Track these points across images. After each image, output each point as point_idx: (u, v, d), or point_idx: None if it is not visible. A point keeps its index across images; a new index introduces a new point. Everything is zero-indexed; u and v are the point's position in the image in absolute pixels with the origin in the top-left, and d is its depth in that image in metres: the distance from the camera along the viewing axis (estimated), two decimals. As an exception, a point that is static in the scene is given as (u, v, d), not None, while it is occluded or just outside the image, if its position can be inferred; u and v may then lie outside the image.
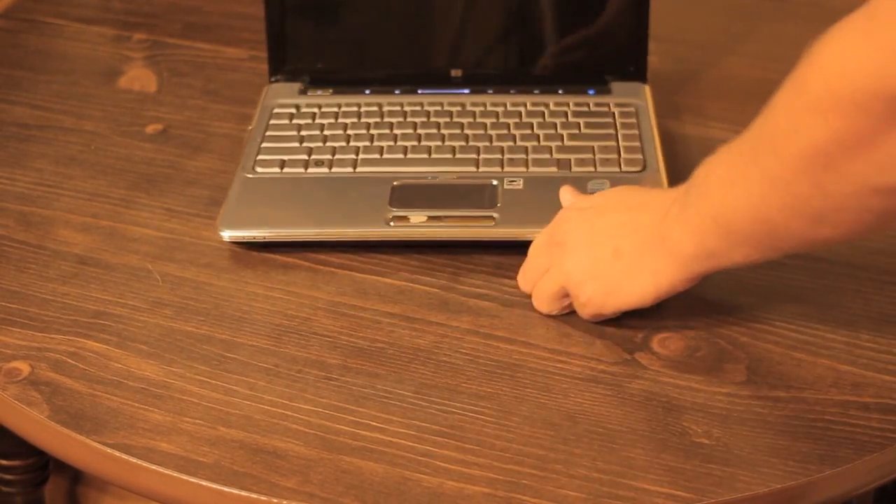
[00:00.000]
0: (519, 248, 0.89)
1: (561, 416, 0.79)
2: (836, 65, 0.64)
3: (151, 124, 1.09)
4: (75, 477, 1.53)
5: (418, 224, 0.93)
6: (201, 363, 0.83)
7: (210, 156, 1.05)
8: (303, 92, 1.08)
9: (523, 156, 0.99)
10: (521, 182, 0.96)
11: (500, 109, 1.04)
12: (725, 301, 0.88)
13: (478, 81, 1.08)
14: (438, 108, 1.05)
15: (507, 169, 0.98)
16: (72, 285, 0.90)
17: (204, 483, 0.75)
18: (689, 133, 1.07)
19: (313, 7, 1.09)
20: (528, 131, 1.01)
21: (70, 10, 1.29)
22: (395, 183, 0.97)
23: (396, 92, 1.07)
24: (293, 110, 1.05)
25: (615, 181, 0.95)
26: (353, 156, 1.00)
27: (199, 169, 1.03)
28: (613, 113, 1.03)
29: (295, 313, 0.88)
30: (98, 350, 0.84)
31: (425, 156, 1.00)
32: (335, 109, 1.05)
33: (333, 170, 0.99)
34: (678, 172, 0.92)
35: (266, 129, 1.03)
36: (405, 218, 0.93)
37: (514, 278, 0.89)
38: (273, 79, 1.09)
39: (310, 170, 0.99)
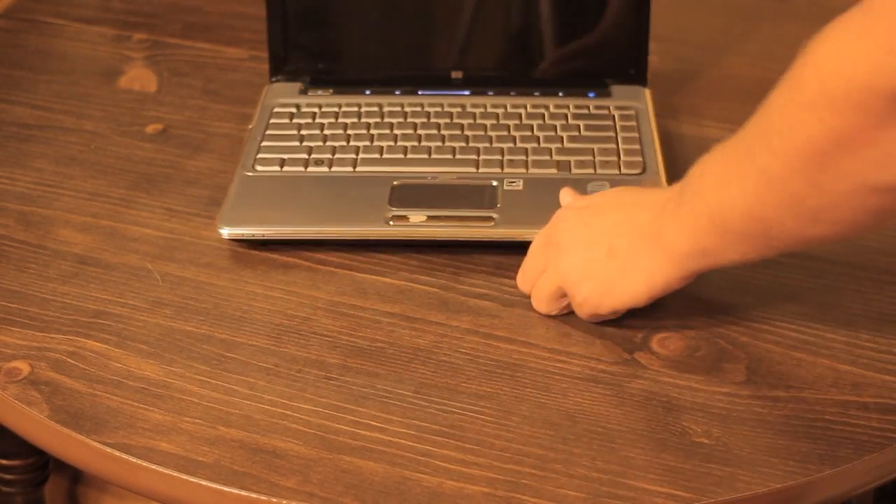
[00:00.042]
0: (519, 249, 0.89)
1: (560, 416, 0.79)
2: (831, 62, 0.64)
3: (151, 124, 1.09)
4: (75, 477, 1.53)
5: (418, 224, 0.93)
6: (201, 363, 0.83)
7: (210, 155, 1.05)
8: (303, 92, 1.08)
9: (523, 157, 0.99)
10: (521, 183, 0.96)
11: (500, 111, 1.04)
12: (725, 301, 0.88)
13: (478, 83, 1.08)
14: (439, 109, 1.05)
15: (506, 170, 0.98)
16: (72, 285, 0.90)
17: (204, 483, 0.75)
18: (688, 133, 1.07)
19: (314, 8, 1.09)
20: (528, 133, 1.02)
21: (70, 10, 1.29)
22: (394, 183, 0.97)
23: (397, 93, 1.07)
24: (293, 110, 1.05)
25: (615, 183, 0.95)
26: (353, 155, 1.00)
27: (199, 169, 1.03)
28: (613, 116, 1.03)
29: (295, 313, 0.88)
30: (98, 350, 0.84)
31: (425, 156, 1.00)
32: (335, 109, 1.05)
33: (333, 169, 0.99)
34: (678, 173, 0.92)
35: (266, 129, 1.03)
36: (405, 217, 0.93)
37: (514, 278, 0.89)
38: (273, 79, 1.09)
39: (310, 169, 0.99)
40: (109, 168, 1.03)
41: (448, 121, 1.03)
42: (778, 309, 0.88)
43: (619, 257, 0.82)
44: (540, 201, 0.91)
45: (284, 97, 1.07)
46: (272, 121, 1.04)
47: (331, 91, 1.08)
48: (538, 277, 0.86)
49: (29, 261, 0.93)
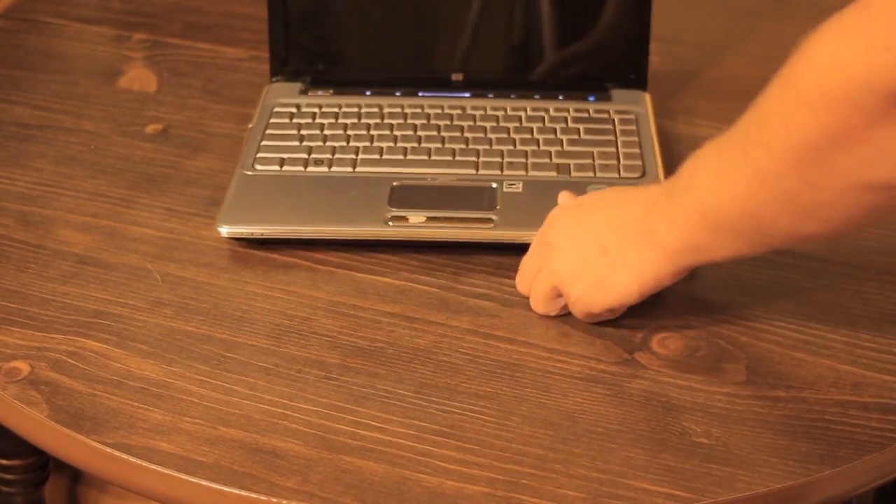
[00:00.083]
0: (518, 250, 0.89)
1: (560, 416, 0.79)
2: (827, 59, 0.64)
3: (151, 124, 1.09)
4: (75, 477, 1.53)
5: (417, 224, 0.93)
6: (201, 363, 0.83)
7: (210, 155, 1.05)
8: (303, 92, 1.08)
9: (523, 160, 0.99)
10: (521, 185, 0.96)
11: (500, 113, 1.04)
12: (725, 301, 0.88)
13: (479, 86, 1.08)
14: (439, 110, 1.05)
15: (506, 172, 0.98)
16: (72, 285, 0.90)
17: (204, 483, 0.75)
18: (688, 133, 1.07)
19: (316, 8, 1.09)
20: (528, 135, 1.01)
21: (70, 10, 1.29)
22: (394, 183, 0.97)
23: (397, 94, 1.07)
24: (293, 110, 1.05)
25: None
26: (353, 156, 1.00)
27: (199, 169, 1.03)
28: (613, 120, 1.03)
29: (295, 313, 0.88)
30: (98, 350, 0.84)
31: (425, 157, 1.00)
32: (335, 110, 1.05)
33: (333, 169, 0.99)
34: (678, 172, 0.92)
35: (266, 128, 1.03)
36: (404, 218, 0.93)
37: (514, 278, 0.89)
38: (274, 79, 1.09)
39: (309, 168, 0.99)
40: (109, 168, 1.03)
41: (448, 122, 1.03)
42: (778, 309, 0.88)
43: (610, 254, 0.82)
44: (539, 203, 0.91)
45: (285, 97, 1.07)
46: (272, 120, 1.04)
47: (331, 91, 1.08)
48: (535, 278, 0.86)
49: (29, 261, 0.93)
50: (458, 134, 1.02)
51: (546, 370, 0.83)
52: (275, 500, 0.73)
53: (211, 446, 0.77)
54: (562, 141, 1.01)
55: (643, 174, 0.97)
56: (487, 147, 1.00)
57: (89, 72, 1.18)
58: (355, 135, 1.02)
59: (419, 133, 1.02)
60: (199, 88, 1.15)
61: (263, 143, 1.01)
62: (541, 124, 1.03)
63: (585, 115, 1.04)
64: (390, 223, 0.93)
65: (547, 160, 0.99)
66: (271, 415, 0.79)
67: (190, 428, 0.78)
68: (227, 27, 1.25)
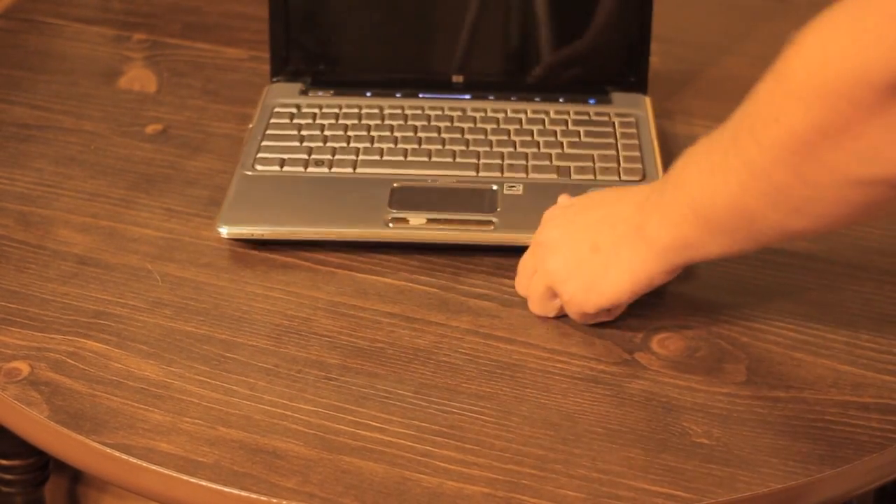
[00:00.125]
0: (518, 252, 0.89)
1: (560, 416, 0.79)
2: (819, 52, 0.64)
3: (151, 124, 1.09)
4: (75, 477, 1.53)
5: (417, 226, 0.93)
6: (201, 363, 0.83)
7: (210, 156, 1.05)
8: (304, 92, 1.08)
9: (523, 162, 0.99)
10: (521, 188, 0.96)
11: (500, 116, 1.04)
12: (725, 301, 0.88)
13: (479, 88, 1.08)
14: (439, 112, 1.05)
15: (506, 174, 0.98)
16: (72, 285, 0.90)
17: (204, 483, 0.75)
18: (687, 133, 1.07)
19: (317, 9, 1.09)
20: (529, 138, 1.01)
21: (70, 10, 1.29)
22: (394, 185, 0.97)
23: (398, 95, 1.07)
24: (294, 110, 1.05)
25: None
26: (354, 157, 1.00)
27: (199, 169, 1.03)
28: (614, 123, 1.03)
29: (295, 313, 0.88)
30: (98, 350, 0.84)
31: (425, 159, 1.00)
32: (336, 110, 1.05)
33: (333, 170, 0.99)
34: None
35: (266, 128, 1.03)
36: (404, 220, 0.93)
37: (514, 279, 0.89)
38: (274, 79, 1.09)
39: (310, 169, 0.99)
40: (109, 168, 1.03)
41: (448, 124, 1.03)
42: (778, 309, 0.88)
43: (603, 252, 0.81)
44: (539, 206, 0.91)
45: (285, 97, 1.07)
46: (272, 121, 1.04)
47: (331, 92, 1.08)
48: (530, 279, 0.86)
49: (29, 261, 0.93)
50: (458, 135, 1.02)
51: (546, 370, 0.83)
52: (275, 500, 0.73)
53: (211, 447, 0.77)
54: (562, 143, 1.01)
55: (643, 177, 0.97)
56: (488, 149, 1.00)
57: (89, 72, 1.18)
58: (356, 136, 1.02)
59: (420, 134, 1.02)
60: (198, 89, 1.15)
61: (264, 143, 1.01)
62: (541, 126, 1.03)
63: (586, 117, 1.04)
64: (391, 225, 0.93)
65: (547, 162, 0.99)
66: (271, 415, 0.79)
67: (190, 428, 0.78)
68: (226, 27, 1.25)
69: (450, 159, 0.99)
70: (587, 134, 1.02)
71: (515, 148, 1.00)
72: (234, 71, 1.18)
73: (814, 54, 0.64)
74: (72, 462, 0.81)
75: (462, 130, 1.02)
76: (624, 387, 0.81)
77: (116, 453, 0.77)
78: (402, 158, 0.99)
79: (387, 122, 1.04)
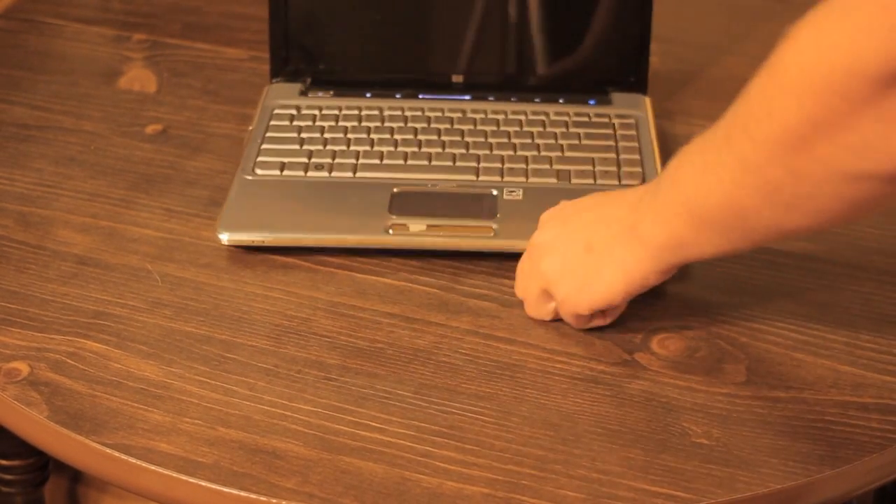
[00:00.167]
0: (519, 256, 0.89)
1: (560, 417, 0.79)
2: (812, 45, 0.64)
3: (151, 124, 1.09)
4: (75, 477, 1.53)
5: (417, 233, 0.93)
6: (201, 363, 0.83)
7: (210, 156, 1.05)
8: (303, 93, 1.08)
9: (523, 165, 0.99)
10: (521, 192, 0.96)
11: (500, 117, 1.04)
12: (725, 301, 0.88)
13: (479, 88, 1.08)
14: (439, 114, 1.05)
15: (506, 178, 0.98)
16: (71, 285, 0.90)
17: (203, 483, 0.75)
18: (687, 134, 1.05)
19: (316, 8, 1.09)
20: (528, 140, 1.01)
21: (70, 11, 1.29)
22: (394, 190, 0.96)
23: (397, 96, 1.07)
24: (294, 112, 1.05)
25: None
26: (354, 160, 0.99)
27: (199, 169, 1.03)
28: (614, 124, 1.03)
29: (294, 314, 0.88)
30: (97, 350, 0.84)
31: (425, 162, 0.99)
32: (336, 112, 1.05)
33: (333, 174, 0.98)
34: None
35: (266, 131, 1.03)
36: (404, 226, 0.93)
37: (514, 280, 0.89)
38: (274, 79, 1.09)
39: (310, 173, 0.99)
40: (109, 168, 1.03)
41: (448, 126, 1.03)
42: (778, 309, 0.88)
43: (596, 252, 0.81)
44: (539, 211, 0.90)
45: (285, 98, 1.07)
46: (272, 123, 1.04)
47: (331, 93, 1.08)
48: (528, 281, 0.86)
49: (28, 261, 0.93)
50: (458, 138, 1.02)
51: (546, 371, 0.83)
52: (274, 500, 0.73)
53: (210, 447, 0.77)
54: (562, 146, 1.00)
55: (643, 181, 0.97)
56: (488, 152, 1.00)
57: (89, 72, 1.18)
58: (356, 138, 1.02)
59: (419, 137, 1.02)
60: (198, 89, 1.15)
61: (264, 146, 1.01)
62: (541, 128, 1.03)
63: (586, 118, 1.04)
64: (390, 231, 0.93)
65: (547, 166, 0.99)
66: (271, 415, 0.79)
67: (189, 428, 0.78)
68: (226, 27, 1.25)
69: (450, 163, 0.99)
70: (587, 136, 1.02)
71: (515, 151, 1.00)
72: (234, 71, 1.18)
73: (806, 48, 0.64)
74: (72, 462, 0.81)
75: (462, 133, 1.02)
76: (624, 387, 0.81)
77: (116, 453, 0.77)
78: (402, 162, 0.99)
79: (387, 123, 1.03)
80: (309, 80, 1.09)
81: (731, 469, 0.75)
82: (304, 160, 1.00)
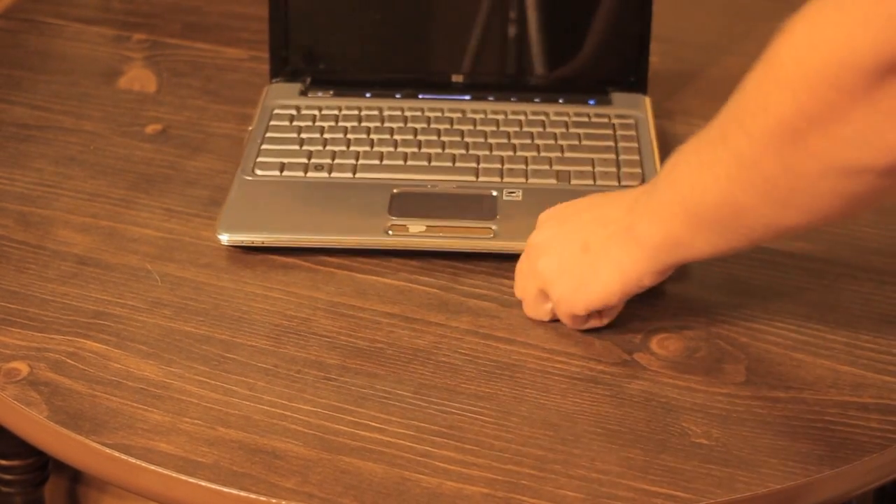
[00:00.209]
0: (519, 256, 0.89)
1: (560, 417, 0.79)
2: (806, 38, 0.64)
3: (151, 124, 1.09)
4: (75, 477, 1.53)
5: (417, 234, 0.93)
6: (201, 363, 0.83)
7: (210, 156, 1.05)
8: (303, 93, 1.08)
9: (522, 166, 0.99)
10: (520, 193, 0.96)
11: (500, 117, 1.04)
12: (725, 301, 0.88)
13: (479, 88, 1.08)
14: (439, 114, 1.05)
15: (506, 179, 0.98)
16: (71, 285, 0.90)
17: (203, 483, 0.75)
18: (687, 133, 1.05)
19: (316, 8, 1.09)
20: (528, 141, 1.01)
21: (70, 10, 1.29)
22: (394, 191, 0.96)
23: (397, 96, 1.07)
24: (293, 112, 1.05)
25: None
26: (353, 161, 0.99)
27: (199, 169, 1.03)
28: (614, 125, 1.03)
29: (294, 314, 0.88)
30: (97, 350, 0.84)
31: (425, 163, 0.99)
32: (335, 112, 1.05)
33: (333, 175, 0.98)
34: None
35: (266, 131, 1.03)
36: (404, 227, 0.93)
37: (513, 280, 0.89)
38: (274, 79, 1.09)
39: (309, 174, 0.98)
40: (109, 168, 1.03)
41: (448, 126, 1.03)
42: (778, 309, 0.88)
43: (593, 252, 0.81)
44: (538, 212, 0.89)
45: (284, 98, 1.07)
46: (272, 123, 1.04)
47: (331, 93, 1.08)
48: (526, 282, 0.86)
49: (28, 261, 0.93)
50: (458, 139, 1.02)
51: (545, 371, 0.83)
52: (274, 500, 0.73)
53: (210, 447, 0.77)
54: (562, 147, 1.00)
55: (642, 182, 0.96)
56: (487, 153, 1.00)
57: (89, 72, 1.18)
58: (355, 139, 1.02)
59: (419, 137, 1.02)
60: (198, 89, 1.15)
61: (263, 146, 1.01)
62: (541, 129, 1.02)
63: (585, 119, 1.04)
64: (390, 233, 0.92)
65: (547, 167, 0.98)
66: (271, 415, 0.79)
67: (189, 428, 0.78)
68: (226, 27, 1.25)
69: (449, 164, 0.99)
70: (587, 137, 1.02)
71: (515, 152, 1.00)
72: (234, 71, 1.18)
73: (801, 41, 0.64)
74: (71, 462, 0.81)
75: (462, 133, 1.02)
76: (623, 387, 0.81)
77: (116, 453, 0.77)
78: (401, 163, 0.99)
79: (386, 124, 1.03)
80: (309, 80, 1.09)
81: (730, 469, 0.75)
82: (304, 160, 1.00)
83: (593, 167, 0.98)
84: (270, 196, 0.96)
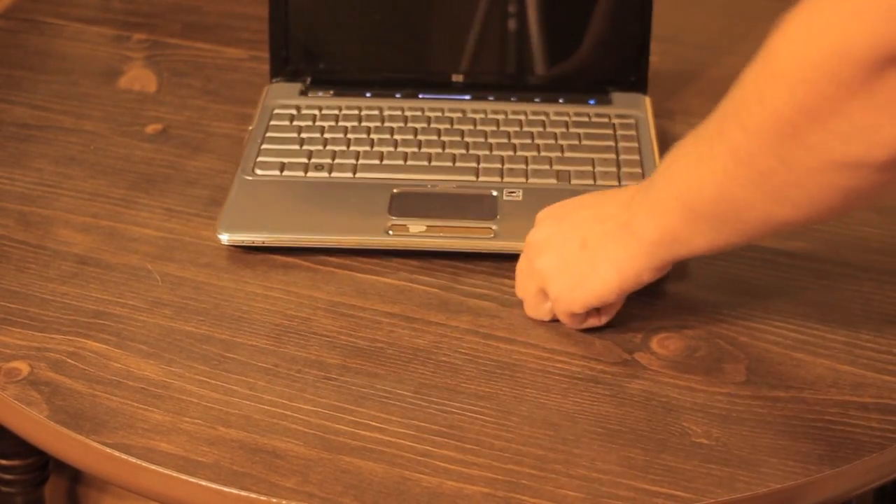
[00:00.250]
0: (518, 258, 0.89)
1: (560, 416, 0.79)
2: (803, 31, 0.63)
3: (151, 124, 1.09)
4: (75, 477, 1.53)
5: (417, 234, 0.93)
6: (201, 363, 0.83)
7: (210, 156, 1.05)
8: (303, 93, 1.08)
9: (523, 166, 0.99)
10: (521, 193, 0.96)
11: (500, 117, 1.04)
12: (725, 301, 0.88)
13: (479, 87, 1.08)
14: (439, 114, 1.05)
15: (506, 179, 0.98)
16: (71, 285, 0.90)
17: (203, 483, 0.75)
18: (686, 133, 1.06)
19: (316, 8, 1.09)
20: (528, 141, 1.01)
21: (70, 10, 1.29)
22: (394, 190, 0.96)
23: (397, 96, 1.07)
24: (294, 112, 1.05)
25: None
26: (353, 161, 0.99)
27: (199, 169, 1.03)
28: (614, 124, 1.03)
29: (294, 313, 0.88)
30: (98, 350, 0.84)
31: (425, 163, 0.99)
32: (336, 112, 1.05)
33: (333, 174, 0.98)
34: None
35: (266, 131, 1.03)
36: (404, 227, 0.93)
37: (514, 279, 0.89)
38: (274, 79, 1.09)
39: (310, 174, 0.98)
40: (109, 168, 1.03)
41: (448, 126, 1.03)
42: (778, 309, 0.88)
43: (590, 248, 0.81)
44: (538, 211, 0.90)
45: (285, 98, 1.07)
46: (272, 123, 1.04)
47: (331, 92, 1.08)
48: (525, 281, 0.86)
49: (29, 261, 0.93)
50: (458, 138, 1.02)
51: (546, 370, 0.83)
52: (274, 500, 0.74)
53: (210, 446, 0.77)
54: (562, 147, 1.00)
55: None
56: (487, 153, 1.00)
57: (89, 72, 1.18)
58: (355, 139, 1.02)
59: (419, 137, 1.02)
60: (198, 88, 1.15)
61: (264, 146, 1.01)
62: (541, 129, 1.02)
63: (586, 118, 1.04)
64: (390, 232, 0.92)
65: (547, 167, 0.98)
66: (271, 415, 0.79)
67: (190, 428, 0.78)
68: (226, 27, 1.25)
69: (449, 163, 0.99)
70: (587, 136, 1.02)
71: (515, 152, 1.00)
72: (234, 71, 1.18)
73: (798, 35, 0.64)
74: (72, 462, 0.81)
75: (462, 133, 1.02)
76: (624, 387, 0.81)
77: (116, 453, 0.77)
78: (401, 163, 0.99)
79: (386, 124, 1.03)
80: (309, 80, 1.09)
81: (730, 469, 0.75)
82: (304, 160, 1.00)
83: (593, 167, 0.98)
84: (271, 196, 0.96)
